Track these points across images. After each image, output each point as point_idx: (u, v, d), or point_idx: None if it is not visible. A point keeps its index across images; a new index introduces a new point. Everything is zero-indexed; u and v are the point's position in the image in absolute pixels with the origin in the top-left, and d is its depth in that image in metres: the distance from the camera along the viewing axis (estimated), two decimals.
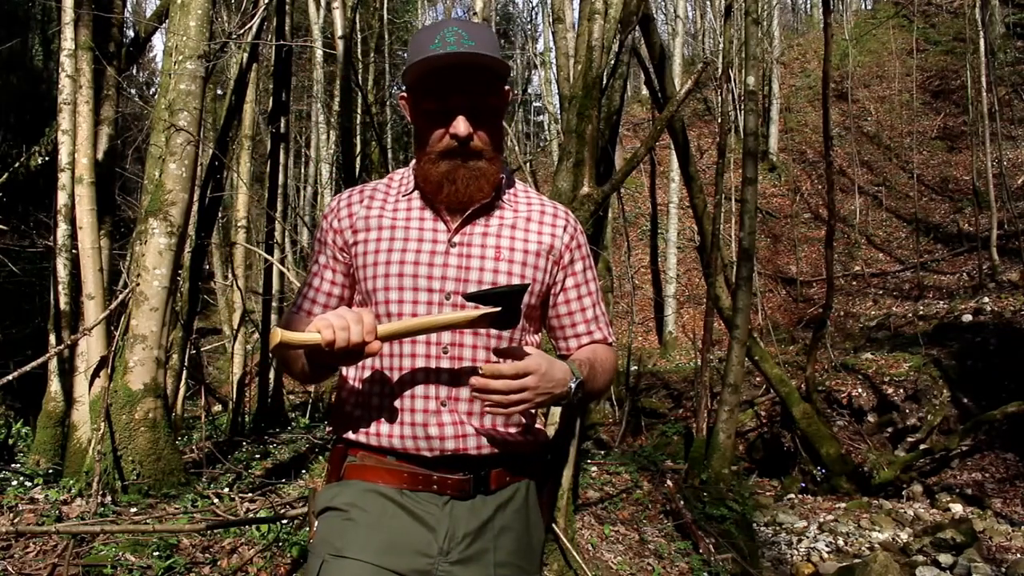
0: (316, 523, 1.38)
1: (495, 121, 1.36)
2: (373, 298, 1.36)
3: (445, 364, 1.33)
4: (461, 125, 1.30)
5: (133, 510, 3.75)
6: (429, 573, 1.29)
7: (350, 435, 1.37)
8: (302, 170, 21.64)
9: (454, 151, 1.32)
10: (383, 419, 1.34)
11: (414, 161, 1.45)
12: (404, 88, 1.41)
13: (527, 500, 1.41)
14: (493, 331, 1.34)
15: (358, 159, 10.94)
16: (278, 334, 1.20)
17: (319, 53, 13.12)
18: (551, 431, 3.86)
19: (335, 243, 1.42)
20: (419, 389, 1.33)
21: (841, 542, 6.19)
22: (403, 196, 1.43)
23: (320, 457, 5.60)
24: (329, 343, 1.18)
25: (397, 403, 1.34)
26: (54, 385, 5.26)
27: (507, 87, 1.43)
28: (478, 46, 1.27)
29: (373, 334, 1.20)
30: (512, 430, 1.39)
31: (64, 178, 5.07)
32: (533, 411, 1.46)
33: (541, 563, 1.46)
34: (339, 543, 1.30)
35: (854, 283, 14.94)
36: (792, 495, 7.66)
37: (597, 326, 1.50)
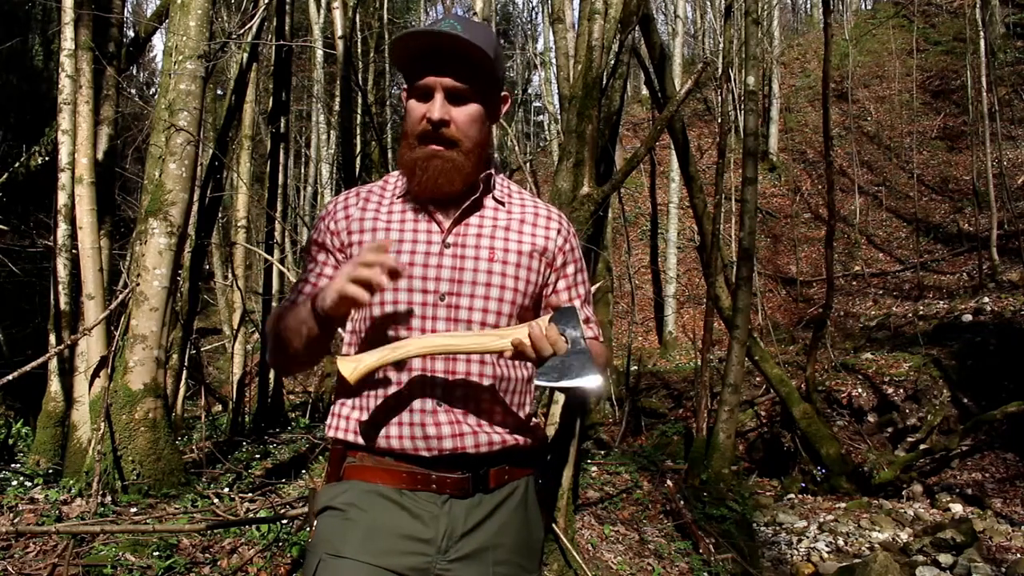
0: (316, 523, 1.38)
1: (477, 114, 1.34)
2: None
3: (440, 363, 1.33)
4: (436, 106, 1.30)
5: (133, 510, 3.75)
6: (428, 571, 1.29)
7: (348, 437, 1.37)
8: (302, 170, 21.66)
9: (428, 135, 1.32)
10: (381, 420, 1.34)
11: None
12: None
13: (526, 498, 1.41)
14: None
15: (358, 159, 10.94)
16: (355, 365, 1.22)
17: (319, 53, 13.11)
18: (551, 431, 3.87)
19: (333, 244, 1.43)
20: (415, 389, 1.33)
21: (841, 542, 6.19)
22: (397, 198, 1.43)
23: (320, 457, 5.60)
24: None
25: (394, 404, 1.34)
26: (54, 385, 5.26)
27: (503, 93, 1.42)
28: (466, 35, 1.27)
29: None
30: (510, 427, 1.39)
31: (64, 178, 5.06)
32: (530, 408, 1.46)
33: (541, 561, 1.46)
34: (337, 542, 1.31)
35: (854, 283, 14.93)
36: (792, 495, 7.65)
37: (587, 327, 1.50)
